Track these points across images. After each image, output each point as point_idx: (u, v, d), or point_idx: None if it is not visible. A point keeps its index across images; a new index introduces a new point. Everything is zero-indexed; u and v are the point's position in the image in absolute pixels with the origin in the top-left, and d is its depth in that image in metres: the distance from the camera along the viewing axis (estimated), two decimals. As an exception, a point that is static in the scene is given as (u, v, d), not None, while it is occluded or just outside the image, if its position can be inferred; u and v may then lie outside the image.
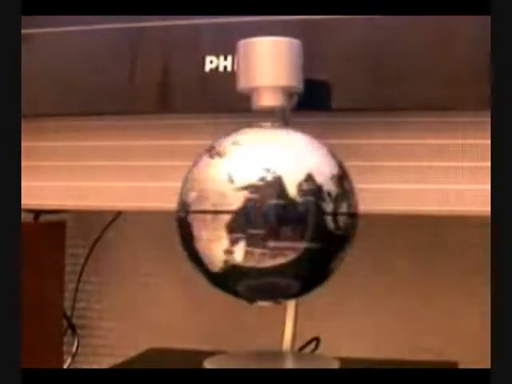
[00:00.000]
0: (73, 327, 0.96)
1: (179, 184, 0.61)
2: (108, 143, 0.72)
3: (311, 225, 0.57)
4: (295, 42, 0.61)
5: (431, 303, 0.88)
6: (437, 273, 0.88)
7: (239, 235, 0.56)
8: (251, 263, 0.57)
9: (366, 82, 0.64)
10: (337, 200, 0.58)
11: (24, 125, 0.62)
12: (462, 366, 0.72)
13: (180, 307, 0.95)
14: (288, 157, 0.58)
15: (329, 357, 0.68)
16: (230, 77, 0.65)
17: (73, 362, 0.95)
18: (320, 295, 0.64)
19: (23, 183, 0.73)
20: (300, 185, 0.57)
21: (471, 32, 0.62)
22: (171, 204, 0.61)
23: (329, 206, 0.57)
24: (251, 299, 0.61)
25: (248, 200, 0.56)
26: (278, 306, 0.64)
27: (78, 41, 0.70)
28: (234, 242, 0.56)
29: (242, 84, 0.62)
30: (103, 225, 0.95)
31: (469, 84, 0.62)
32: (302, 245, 0.56)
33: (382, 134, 0.66)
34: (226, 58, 0.66)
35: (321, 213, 0.57)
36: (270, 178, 0.56)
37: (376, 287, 0.89)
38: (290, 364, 0.68)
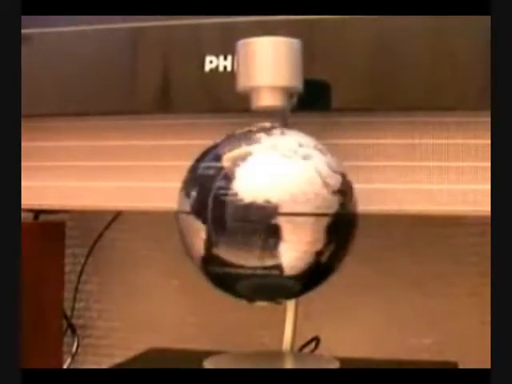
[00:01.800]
0: (73, 327, 0.96)
1: (179, 184, 0.61)
2: (108, 143, 0.72)
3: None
4: (295, 41, 0.61)
5: (431, 303, 0.88)
6: (437, 273, 0.88)
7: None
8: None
9: (365, 82, 0.64)
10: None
11: (24, 125, 0.62)
12: (461, 366, 0.72)
13: (180, 307, 0.95)
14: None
15: (329, 357, 0.68)
16: (229, 77, 0.65)
17: (73, 361, 0.95)
18: (320, 295, 0.64)
19: (23, 183, 0.73)
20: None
21: (471, 32, 0.62)
22: (171, 204, 0.61)
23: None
24: (251, 299, 0.61)
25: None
26: (278, 306, 0.64)
27: (78, 41, 0.70)
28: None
29: (242, 84, 0.62)
30: (103, 225, 0.95)
31: (469, 84, 0.62)
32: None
33: (381, 134, 0.66)
34: (225, 58, 0.66)
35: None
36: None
37: (376, 287, 0.89)
38: (289, 364, 0.68)
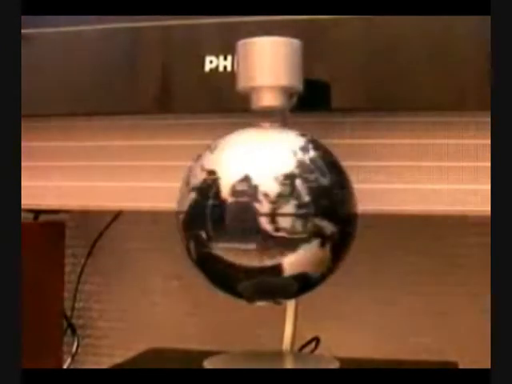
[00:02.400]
0: (73, 327, 0.96)
1: (179, 184, 0.61)
2: (108, 143, 0.72)
3: (244, 225, 0.57)
4: (295, 41, 0.61)
5: (431, 303, 0.88)
6: (437, 273, 0.88)
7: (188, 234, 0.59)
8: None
9: (365, 82, 0.64)
10: (277, 201, 0.57)
11: (24, 125, 0.62)
12: (461, 366, 0.72)
13: (180, 307, 0.95)
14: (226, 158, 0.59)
15: (329, 357, 0.68)
16: (229, 77, 0.65)
17: (73, 361, 0.95)
18: (320, 295, 0.64)
19: (23, 183, 0.73)
20: (234, 186, 0.57)
21: (471, 32, 0.62)
22: (171, 204, 0.61)
23: (264, 207, 0.57)
24: (251, 299, 0.61)
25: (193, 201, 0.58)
26: (278, 306, 0.64)
27: (78, 41, 0.70)
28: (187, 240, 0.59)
29: (242, 84, 0.62)
30: (103, 225, 0.95)
31: (469, 84, 0.62)
32: (241, 246, 0.57)
33: (381, 133, 0.66)
34: (225, 58, 0.66)
35: (254, 213, 0.57)
36: (209, 180, 0.58)
37: (376, 287, 0.89)
38: (289, 364, 0.68)
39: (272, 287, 0.59)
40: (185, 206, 0.59)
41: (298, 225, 0.57)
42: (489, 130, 0.56)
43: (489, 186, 0.63)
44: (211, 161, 0.59)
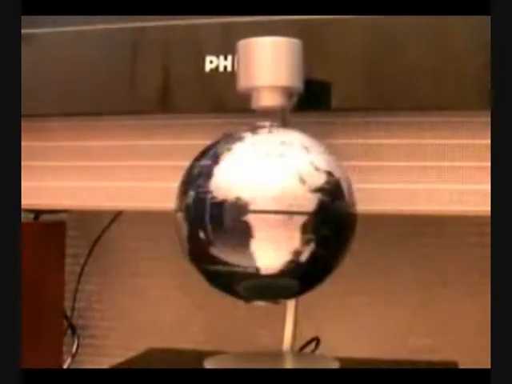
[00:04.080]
0: (73, 327, 0.96)
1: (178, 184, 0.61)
2: (108, 143, 0.72)
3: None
4: (295, 41, 0.61)
5: (431, 303, 0.88)
6: (437, 273, 0.88)
7: (311, 236, 0.57)
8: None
9: (365, 81, 0.64)
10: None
11: (24, 125, 0.62)
12: (461, 366, 0.72)
13: (180, 307, 0.95)
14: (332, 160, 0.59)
15: (329, 357, 0.68)
16: (230, 77, 0.65)
17: (73, 361, 0.95)
18: (320, 295, 0.64)
19: (23, 183, 0.73)
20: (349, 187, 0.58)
21: (471, 32, 0.62)
22: (171, 204, 0.61)
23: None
24: (250, 299, 0.61)
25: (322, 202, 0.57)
26: (278, 306, 0.64)
27: (78, 41, 0.70)
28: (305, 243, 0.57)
29: (242, 84, 0.62)
30: (103, 225, 0.95)
31: (469, 84, 0.62)
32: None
33: (381, 133, 0.66)
34: (226, 58, 0.66)
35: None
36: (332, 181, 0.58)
37: (376, 287, 0.89)
38: (289, 364, 0.68)
39: (272, 287, 0.59)
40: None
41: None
42: (489, 130, 0.56)
43: (489, 186, 0.63)
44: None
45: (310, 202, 0.57)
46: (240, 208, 0.56)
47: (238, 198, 0.56)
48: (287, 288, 0.60)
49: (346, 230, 0.59)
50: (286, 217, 0.56)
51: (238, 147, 0.59)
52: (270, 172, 0.57)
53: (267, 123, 0.61)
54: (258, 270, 0.57)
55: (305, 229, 0.57)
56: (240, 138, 0.59)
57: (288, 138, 0.59)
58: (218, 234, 0.57)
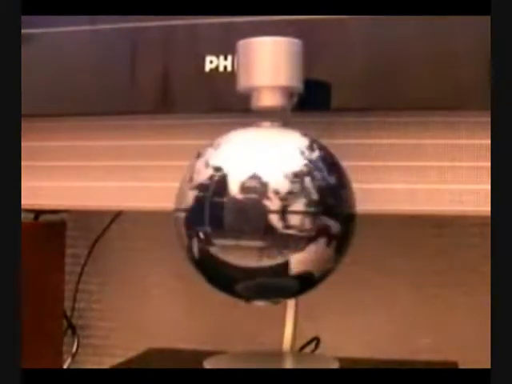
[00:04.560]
0: (73, 327, 0.96)
1: (179, 184, 0.61)
2: (108, 143, 0.72)
3: (254, 222, 0.57)
4: (295, 41, 0.61)
5: (431, 303, 0.88)
6: (437, 273, 0.88)
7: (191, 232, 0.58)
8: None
9: (365, 82, 0.64)
10: (287, 198, 0.57)
11: (24, 125, 0.62)
12: (461, 366, 0.72)
13: (180, 307, 0.95)
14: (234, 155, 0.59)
15: (329, 357, 0.68)
16: (230, 77, 0.65)
17: (73, 361, 0.95)
18: (320, 295, 0.64)
19: (23, 183, 0.73)
20: (243, 183, 0.57)
21: (471, 32, 0.62)
22: (171, 204, 0.61)
23: (275, 204, 0.57)
24: (249, 299, 0.61)
25: (197, 198, 0.58)
26: (278, 306, 0.64)
27: (78, 41, 0.70)
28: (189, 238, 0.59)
29: (242, 84, 0.62)
30: (103, 225, 0.95)
31: (469, 84, 0.62)
32: (249, 243, 0.57)
33: (381, 133, 0.66)
34: (226, 58, 0.66)
35: (264, 211, 0.57)
36: (217, 177, 0.57)
37: (376, 287, 0.89)
38: (289, 364, 0.68)
39: (272, 287, 0.59)
40: (187, 204, 0.59)
41: (307, 223, 0.57)
42: (489, 130, 0.56)
43: (489, 186, 0.63)
44: (217, 157, 0.59)
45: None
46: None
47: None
48: (287, 288, 0.60)
49: (348, 229, 0.59)
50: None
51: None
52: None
53: (267, 123, 0.61)
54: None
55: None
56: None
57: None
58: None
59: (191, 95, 0.68)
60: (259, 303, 0.62)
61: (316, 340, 0.78)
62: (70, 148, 0.74)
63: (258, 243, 0.56)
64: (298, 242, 0.57)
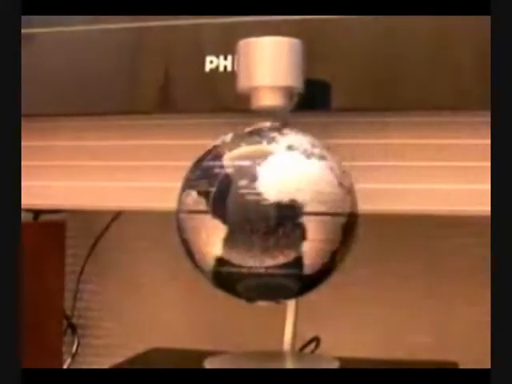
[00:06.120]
0: (73, 327, 0.96)
1: (179, 184, 0.61)
2: (108, 143, 0.72)
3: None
4: (295, 41, 0.61)
5: (431, 303, 0.88)
6: (437, 273, 0.88)
7: None
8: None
9: (365, 81, 0.64)
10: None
11: (24, 125, 0.62)
12: (461, 366, 0.72)
13: (180, 307, 0.95)
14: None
15: (329, 357, 0.68)
16: (230, 77, 0.65)
17: (73, 362, 0.95)
18: (320, 295, 0.64)
19: (23, 183, 0.73)
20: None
21: (471, 32, 0.62)
22: (171, 204, 0.61)
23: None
24: (250, 299, 0.61)
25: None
26: (278, 306, 0.64)
27: (78, 41, 0.70)
28: None
29: (242, 84, 0.62)
30: (103, 225, 0.95)
31: (469, 84, 0.62)
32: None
33: (381, 133, 0.66)
34: (226, 58, 0.66)
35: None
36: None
37: (376, 287, 0.89)
38: (290, 364, 0.68)
39: (273, 287, 0.59)
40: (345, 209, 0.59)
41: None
42: (489, 130, 0.56)
43: (489, 186, 0.63)
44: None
45: (346, 203, 0.59)
46: (294, 209, 0.57)
47: (292, 200, 0.57)
48: (288, 288, 0.60)
49: (351, 230, 0.59)
50: (332, 218, 0.58)
51: (276, 148, 0.59)
52: (316, 174, 0.58)
53: (267, 123, 0.61)
54: (301, 269, 0.58)
55: (342, 229, 0.58)
56: (273, 139, 0.59)
57: (314, 141, 0.60)
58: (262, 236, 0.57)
59: (191, 95, 0.68)
60: (260, 303, 0.61)
61: (316, 340, 0.78)
62: (70, 148, 0.74)
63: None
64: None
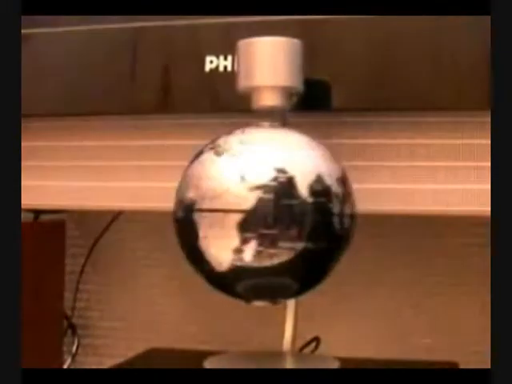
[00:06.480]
0: (73, 327, 0.96)
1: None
2: (108, 143, 0.72)
3: (320, 225, 0.57)
4: (295, 41, 0.61)
5: (431, 303, 0.88)
6: (437, 273, 0.88)
7: (250, 235, 0.56)
8: (259, 263, 0.57)
9: (365, 81, 0.64)
10: (343, 201, 0.58)
11: (24, 125, 0.62)
12: (461, 366, 0.72)
13: (180, 307, 0.95)
14: (298, 158, 0.58)
15: (329, 357, 0.68)
16: (230, 77, 0.65)
17: (73, 362, 0.95)
18: (320, 295, 0.64)
19: (23, 183, 0.73)
20: (311, 186, 0.57)
21: (471, 32, 0.62)
22: (171, 204, 0.61)
23: (336, 207, 0.58)
24: (249, 299, 0.61)
25: (261, 200, 0.56)
26: (278, 306, 0.64)
27: (78, 41, 0.70)
28: (244, 241, 0.56)
29: (242, 84, 0.62)
30: (103, 225, 0.95)
31: (469, 84, 0.62)
32: (309, 245, 0.57)
33: (381, 133, 0.66)
34: (226, 58, 0.66)
35: (329, 214, 0.58)
36: (282, 178, 0.57)
37: (376, 287, 0.89)
38: (290, 364, 0.68)
39: (272, 287, 0.59)
40: (242, 205, 0.57)
41: (352, 224, 0.59)
42: (489, 130, 0.56)
43: (489, 186, 0.63)
44: (277, 158, 0.58)
45: (248, 201, 0.57)
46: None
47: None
48: (287, 288, 0.60)
49: (350, 230, 0.59)
50: (223, 215, 0.57)
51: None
52: (215, 171, 0.58)
53: (267, 123, 0.61)
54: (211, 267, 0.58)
55: (242, 227, 0.57)
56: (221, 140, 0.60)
57: (252, 137, 0.60)
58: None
59: (191, 95, 0.68)
60: (259, 303, 0.61)
61: (316, 340, 0.78)
62: (71, 148, 0.74)
63: (322, 245, 0.58)
64: (344, 242, 0.60)
